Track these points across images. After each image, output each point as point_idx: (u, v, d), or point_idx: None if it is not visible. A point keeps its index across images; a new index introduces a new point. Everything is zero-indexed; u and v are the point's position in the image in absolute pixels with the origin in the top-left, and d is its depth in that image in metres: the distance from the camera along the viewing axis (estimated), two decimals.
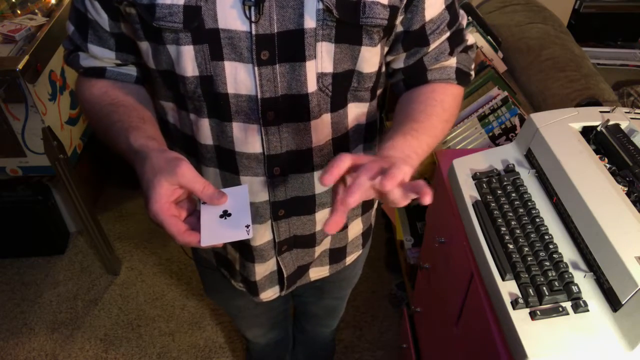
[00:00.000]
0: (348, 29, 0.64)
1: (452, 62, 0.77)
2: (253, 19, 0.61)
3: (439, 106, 0.74)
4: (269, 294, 0.93)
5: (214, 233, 0.58)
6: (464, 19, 0.77)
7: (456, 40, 0.76)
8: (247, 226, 0.58)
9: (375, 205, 0.99)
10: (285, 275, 0.89)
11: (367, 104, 0.76)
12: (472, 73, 0.81)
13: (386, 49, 0.73)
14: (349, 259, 0.99)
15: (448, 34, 0.74)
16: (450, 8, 0.72)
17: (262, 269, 0.87)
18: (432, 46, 0.73)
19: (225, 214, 0.60)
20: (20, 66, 1.42)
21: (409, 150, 0.64)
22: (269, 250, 0.84)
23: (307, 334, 1.42)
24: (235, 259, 0.89)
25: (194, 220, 0.60)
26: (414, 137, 0.67)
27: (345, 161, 0.55)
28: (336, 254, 0.95)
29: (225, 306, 1.18)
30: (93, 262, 2.12)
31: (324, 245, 0.91)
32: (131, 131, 0.65)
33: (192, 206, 0.61)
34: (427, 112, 0.72)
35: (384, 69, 0.77)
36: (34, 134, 1.59)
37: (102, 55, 0.72)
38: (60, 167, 1.65)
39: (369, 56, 0.68)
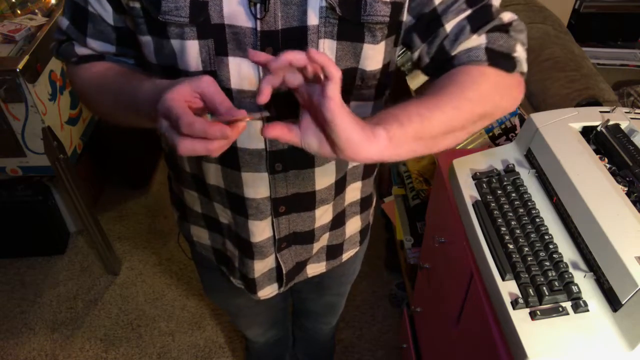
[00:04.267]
0: (350, 26, 0.64)
1: (479, 41, 0.66)
2: (258, 15, 0.61)
3: (464, 77, 0.63)
4: (267, 291, 0.93)
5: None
6: None
7: (481, 17, 0.66)
8: None
9: (374, 204, 0.99)
10: (284, 272, 0.89)
11: (372, 103, 0.76)
12: (517, 56, 0.68)
13: (398, 49, 0.72)
14: (346, 255, 0.99)
15: (469, 12, 0.65)
16: None
17: (261, 266, 0.87)
18: (449, 27, 0.66)
19: None
20: (20, 66, 1.42)
21: (384, 114, 0.56)
22: (269, 247, 0.84)
23: (307, 332, 1.41)
24: (235, 255, 0.89)
25: None
26: (397, 107, 0.58)
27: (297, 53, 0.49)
28: (333, 251, 0.96)
29: (224, 305, 1.18)
30: (93, 262, 2.12)
31: (322, 241, 0.91)
32: (152, 76, 0.63)
33: None
34: (439, 85, 0.63)
35: (391, 68, 0.75)
36: (34, 134, 1.59)
37: (101, 50, 0.72)
38: (60, 167, 1.65)
39: (371, 54, 0.68)
